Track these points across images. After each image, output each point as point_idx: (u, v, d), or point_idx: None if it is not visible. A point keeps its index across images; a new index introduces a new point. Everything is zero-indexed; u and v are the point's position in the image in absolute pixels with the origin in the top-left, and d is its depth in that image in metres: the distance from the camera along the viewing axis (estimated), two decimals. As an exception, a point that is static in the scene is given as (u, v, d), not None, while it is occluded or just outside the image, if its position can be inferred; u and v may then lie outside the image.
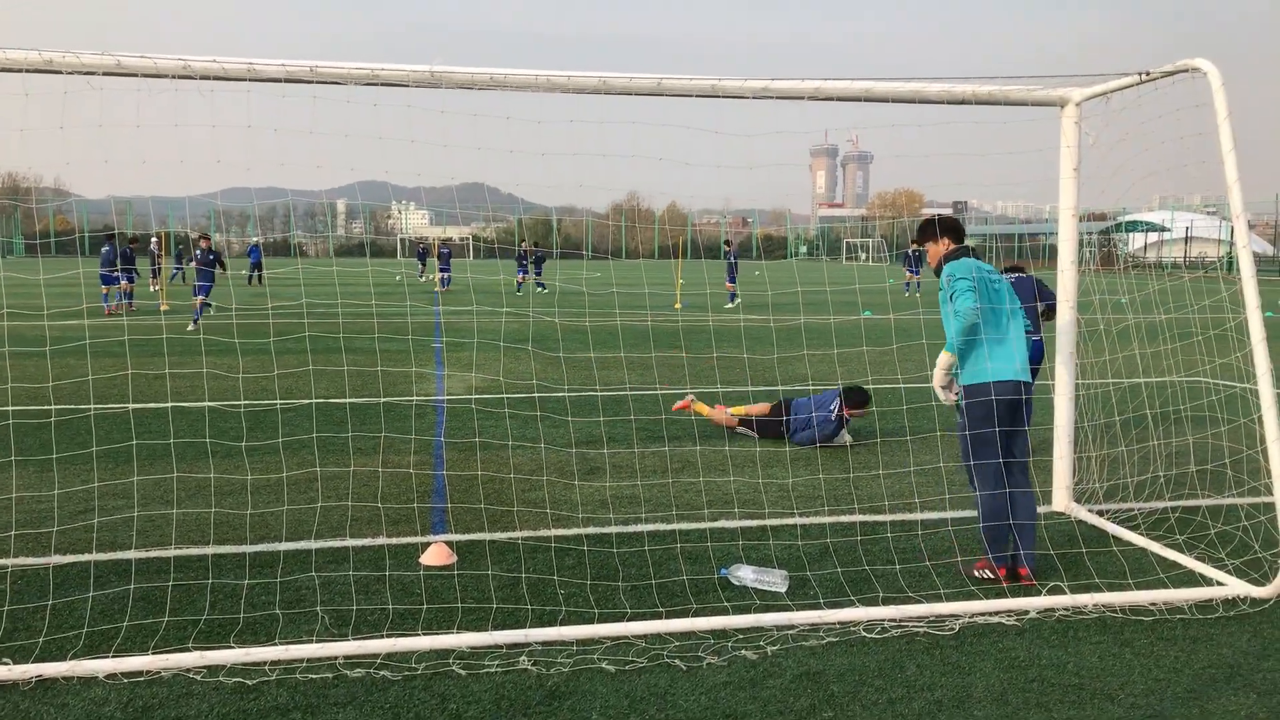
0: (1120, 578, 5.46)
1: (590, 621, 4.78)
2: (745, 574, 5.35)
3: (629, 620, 4.78)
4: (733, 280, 28.94)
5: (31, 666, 4.17)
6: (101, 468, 7.55)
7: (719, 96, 5.92)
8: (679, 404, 10.03)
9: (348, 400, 10.91)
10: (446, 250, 36.66)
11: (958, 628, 4.78)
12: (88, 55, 5.14)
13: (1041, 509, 6.78)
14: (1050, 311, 8.87)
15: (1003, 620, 4.89)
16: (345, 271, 31.20)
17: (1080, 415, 7.42)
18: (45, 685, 4.08)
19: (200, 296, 19.73)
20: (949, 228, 5.78)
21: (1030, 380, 5.56)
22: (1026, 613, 4.98)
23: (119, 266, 22.96)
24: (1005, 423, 5.42)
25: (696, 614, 4.89)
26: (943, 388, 5.57)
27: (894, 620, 4.85)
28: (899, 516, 6.68)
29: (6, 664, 4.18)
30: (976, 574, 5.48)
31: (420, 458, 8.24)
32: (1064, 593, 5.20)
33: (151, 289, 28.40)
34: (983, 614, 4.95)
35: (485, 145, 5.88)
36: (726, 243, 31.42)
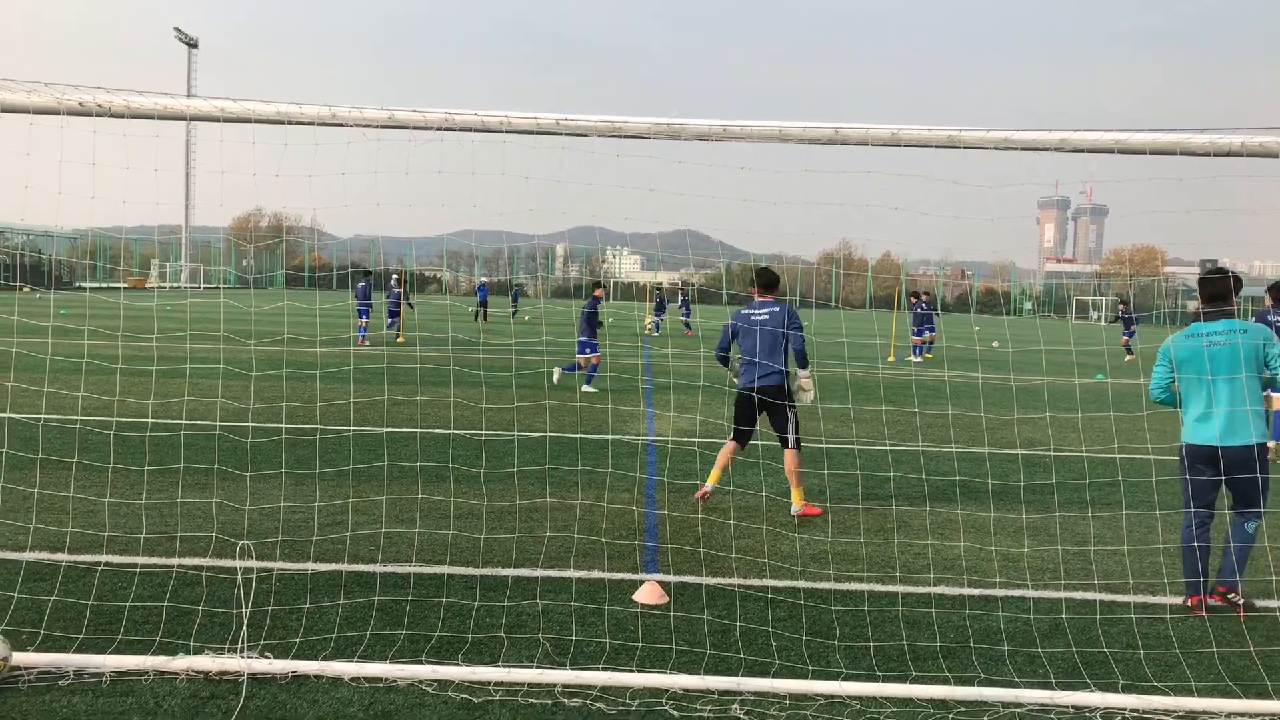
0: None
1: (804, 677, 4.71)
2: None
3: (844, 680, 4.67)
4: (919, 334, 27.15)
5: (290, 663, 4.59)
6: (350, 484, 8.21)
7: (958, 147, 5.78)
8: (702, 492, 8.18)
9: (579, 435, 11.33)
10: (686, 297, 37.57)
11: (1211, 727, 4.35)
12: (368, 110, 5.70)
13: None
14: None
15: (1266, 724, 4.40)
16: (564, 311, 32.70)
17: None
18: (300, 681, 4.47)
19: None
20: (1206, 289, 6.12)
21: (1248, 443, 5.78)
22: (1296, 719, 4.46)
23: (366, 300, 24.94)
24: (1208, 484, 5.94)
25: (915, 681, 4.71)
26: None
27: (1136, 711, 4.47)
28: (1143, 598, 6.17)
29: (268, 658, 4.62)
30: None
31: (634, 496, 8.42)
32: (1343, 701, 4.62)
33: (387, 324, 30.21)
34: (1244, 714, 4.47)
35: (701, 193, 6.03)
36: (913, 295, 28.87)
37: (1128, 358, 29.21)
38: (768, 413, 7.90)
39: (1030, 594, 6.15)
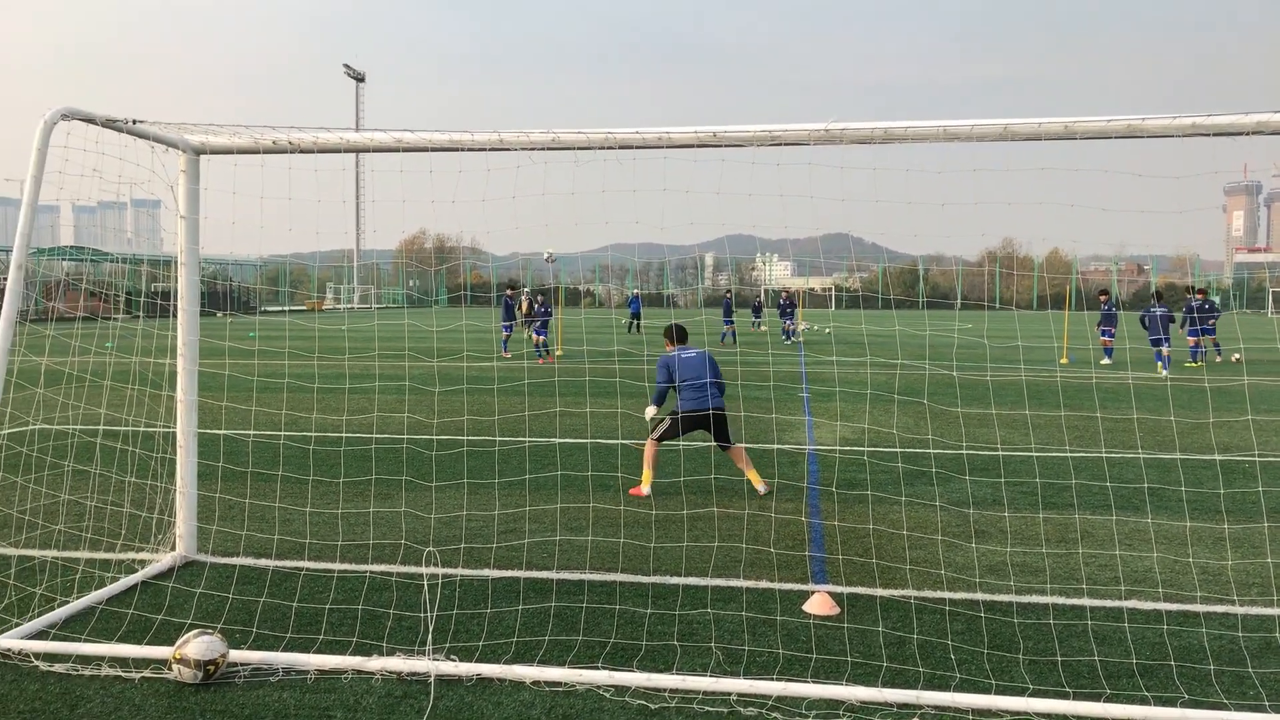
0: None
1: (987, 691, 4.56)
2: None
3: (1030, 696, 4.49)
4: (1106, 335, 24.90)
5: (474, 666, 4.79)
6: (526, 492, 8.49)
7: (1139, 137, 5.48)
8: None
9: (743, 445, 11.31)
10: (790, 301, 38.11)
11: None
12: (535, 134, 5.91)
13: None
14: None
15: None
16: (707, 321, 33.01)
17: None
18: (484, 683, 4.66)
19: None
20: None
21: None
22: None
23: (510, 318, 26.25)
24: None
25: (1109, 699, 4.48)
26: None
27: (1364, 739, 4.11)
28: (1370, 616, 5.64)
29: (454, 661, 4.83)
30: None
31: (798, 505, 8.34)
32: None
33: (525, 335, 30.54)
34: None
35: (863, 197, 5.95)
36: (1102, 293, 26.27)
37: (1104, 360, 24.46)
38: (714, 427, 8.99)
39: (1236, 610, 5.73)
